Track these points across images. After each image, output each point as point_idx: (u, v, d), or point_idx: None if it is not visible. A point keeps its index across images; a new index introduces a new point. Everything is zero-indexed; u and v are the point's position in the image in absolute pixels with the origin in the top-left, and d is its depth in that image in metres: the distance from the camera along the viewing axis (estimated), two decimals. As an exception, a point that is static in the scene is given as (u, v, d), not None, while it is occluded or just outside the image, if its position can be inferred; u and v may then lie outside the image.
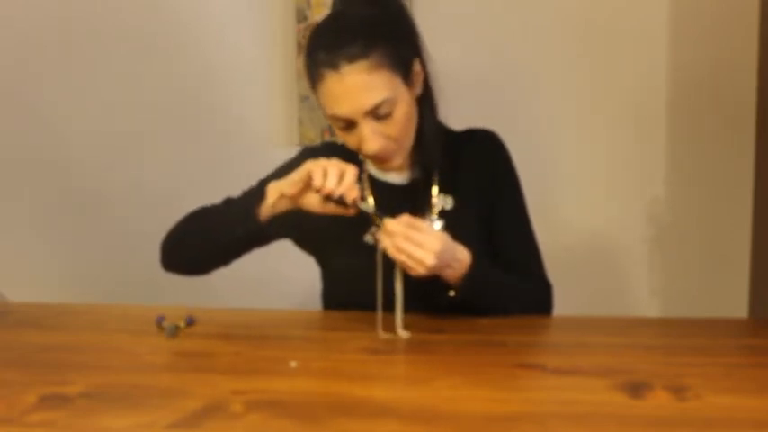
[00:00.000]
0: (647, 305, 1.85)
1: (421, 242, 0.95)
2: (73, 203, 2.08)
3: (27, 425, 0.71)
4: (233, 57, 1.97)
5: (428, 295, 1.04)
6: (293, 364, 0.87)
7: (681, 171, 1.81)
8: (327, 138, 1.90)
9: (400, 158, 1.11)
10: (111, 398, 0.77)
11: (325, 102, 1.04)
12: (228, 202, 1.19)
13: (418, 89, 1.10)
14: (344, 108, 1.02)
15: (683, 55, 1.77)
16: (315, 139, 1.91)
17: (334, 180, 0.97)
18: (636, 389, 0.76)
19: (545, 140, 1.83)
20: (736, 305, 1.78)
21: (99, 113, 2.05)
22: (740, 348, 0.97)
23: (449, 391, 0.77)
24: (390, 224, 0.97)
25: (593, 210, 1.86)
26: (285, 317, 1.17)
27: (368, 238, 1.11)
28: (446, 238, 1.00)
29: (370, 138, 1.04)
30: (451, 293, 1.06)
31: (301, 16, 1.90)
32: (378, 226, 0.99)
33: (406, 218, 0.98)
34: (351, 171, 0.98)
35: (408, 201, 1.13)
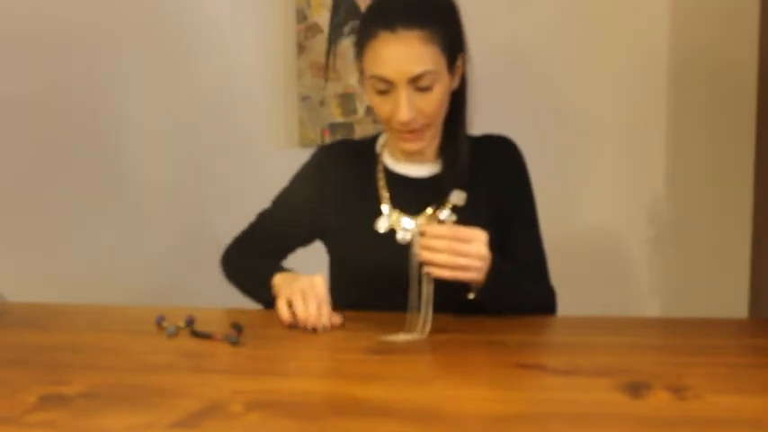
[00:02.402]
0: (647, 305, 1.85)
1: (468, 252, 0.97)
2: (73, 203, 2.08)
3: (27, 425, 0.71)
4: (233, 57, 1.97)
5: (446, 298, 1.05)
6: (293, 364, 0.87)
7: (681, 171, 1.80)
8: (327, 137, 1.90)
9: (425, 141, 1.12)
10: (110, 398, 0.78)
11: (371, 62, 1.06)
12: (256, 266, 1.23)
13: (456, 82, 1.13)
14: (390, 69, 1.04)
15: (683, 54, 1.77)
16: (315, 138, 1.91)
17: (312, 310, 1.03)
18: (636, 389, 0.76)
19: (544, 140, 1.83)
20: (736, 305, 1.78)
21: (98, 113, 2.05)
22: (740, 348, 0.97)
23: (449, 391, 0.77)
24: (436, 253, 0.97)
25: (593, 210, 1.85)
26: (285, 317, 1.17)
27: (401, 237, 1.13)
28: (484, 235, 1.00)
29: (405, 105, 1.05)
30: (471, 296, 1.05)
31: (301, 16, 1.90)
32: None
33: (448, 232, 0.98)
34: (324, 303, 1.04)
35: (422, 194, 1.15)
